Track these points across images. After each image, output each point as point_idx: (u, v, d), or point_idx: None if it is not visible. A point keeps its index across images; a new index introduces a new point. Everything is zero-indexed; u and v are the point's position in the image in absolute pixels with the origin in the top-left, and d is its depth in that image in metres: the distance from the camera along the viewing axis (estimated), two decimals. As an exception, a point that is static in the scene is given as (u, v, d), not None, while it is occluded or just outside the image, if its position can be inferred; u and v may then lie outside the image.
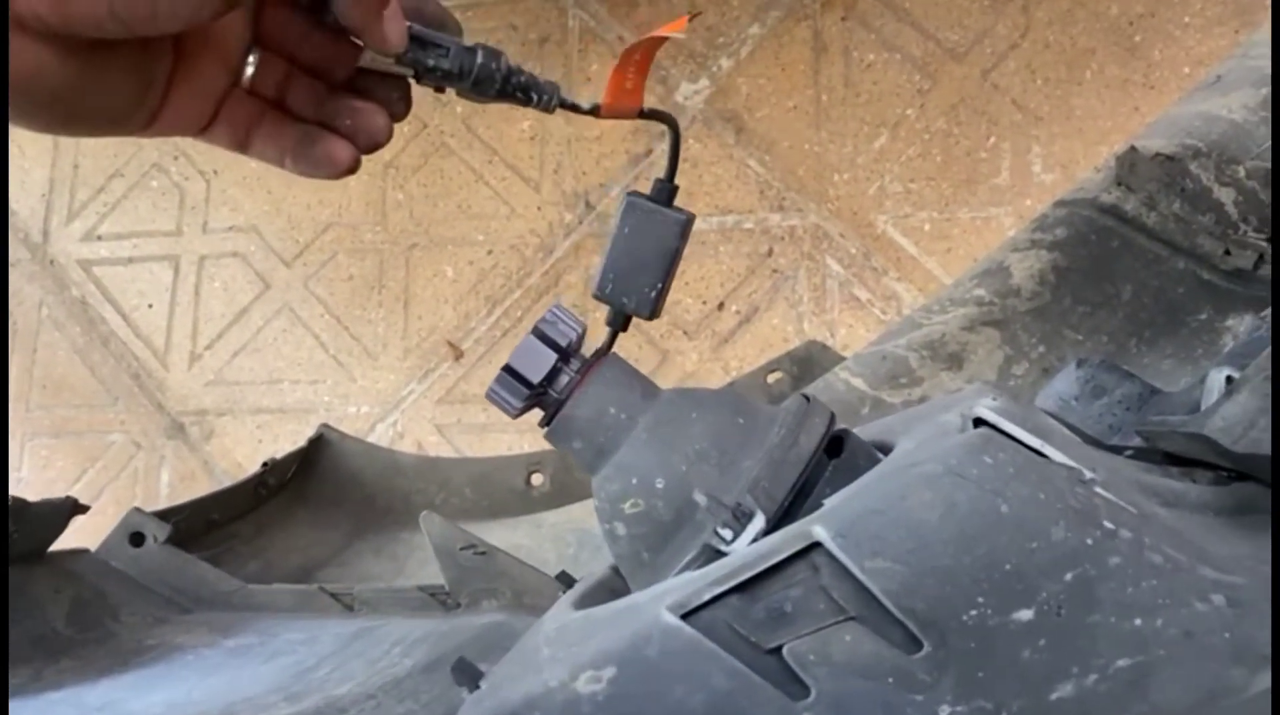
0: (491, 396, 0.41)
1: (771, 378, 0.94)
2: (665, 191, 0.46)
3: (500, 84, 0.43)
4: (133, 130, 0.42)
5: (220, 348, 1.75)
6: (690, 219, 0.46)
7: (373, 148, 0.46)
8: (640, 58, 0.44)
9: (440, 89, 0.44)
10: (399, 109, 0.47)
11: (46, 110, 0.38)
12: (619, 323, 0.45)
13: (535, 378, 0.40)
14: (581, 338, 0.41)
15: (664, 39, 0.44)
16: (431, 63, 0.42)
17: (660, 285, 0.45)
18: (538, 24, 1.69)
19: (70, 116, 0.39)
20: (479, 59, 0.43)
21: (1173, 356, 0.66)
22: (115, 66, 0.39)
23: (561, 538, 0.80)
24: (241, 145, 0.45)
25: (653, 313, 0.44)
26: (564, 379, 0.41)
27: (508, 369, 0.40)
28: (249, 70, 0.44)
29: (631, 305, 0.44)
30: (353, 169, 0.46)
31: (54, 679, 0.56)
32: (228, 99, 0.44)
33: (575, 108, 0.45)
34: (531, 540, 0.81)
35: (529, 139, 1.62)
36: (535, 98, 0.44)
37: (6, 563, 0.65)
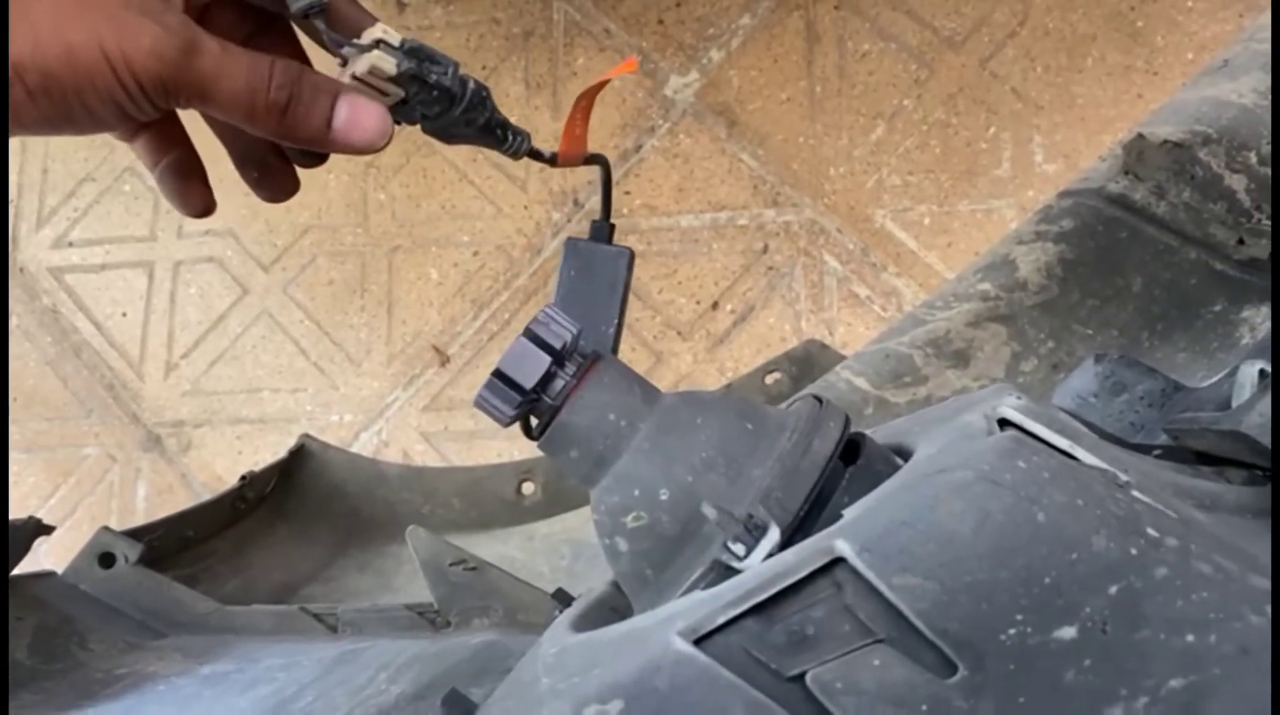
0: (481, 404, 0.38)
1: (770, 379, 0.93)
2: (604, 230, 0.47)
3: (488, 116, 0.43)
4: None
5: (197, 356, 1.71)
6: (631, 254, 0.47)
7: (273, 201, 0.47)
8: (586, 104, 0.45)
9: (414, 122, 0.43)
10: (314, 162, 0.47)
11: None
12: None
13: (528, 383, 0.38)
14: (576, 339, 0.39)
15: (606, 83, 0.46)
16: (433, 78, 0.41)
17: (616, 322, 0.45)
18: (521, 17, 1.66)
19: None
20: (472, 85, 0.42)
21: (1187, 350, 0.65)
22: None
23: (555, 549, 0.79)
24: (128, 139, 0.45)
25: (611, 351, 0.44)
26: (559, 383, 0.38)
27: (498, 374, 0.38)
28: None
29: (589, 347, 0.42)
30: (200, 215, 0.47)
31: (14, 715, 0.53)
32: None
33: (538, 155, 0.47)
34: (523, 553, 0.79)
35: (514, 137, 1.60)
36: (509, 138, 0.45)
37: (6, 564, 0.63)
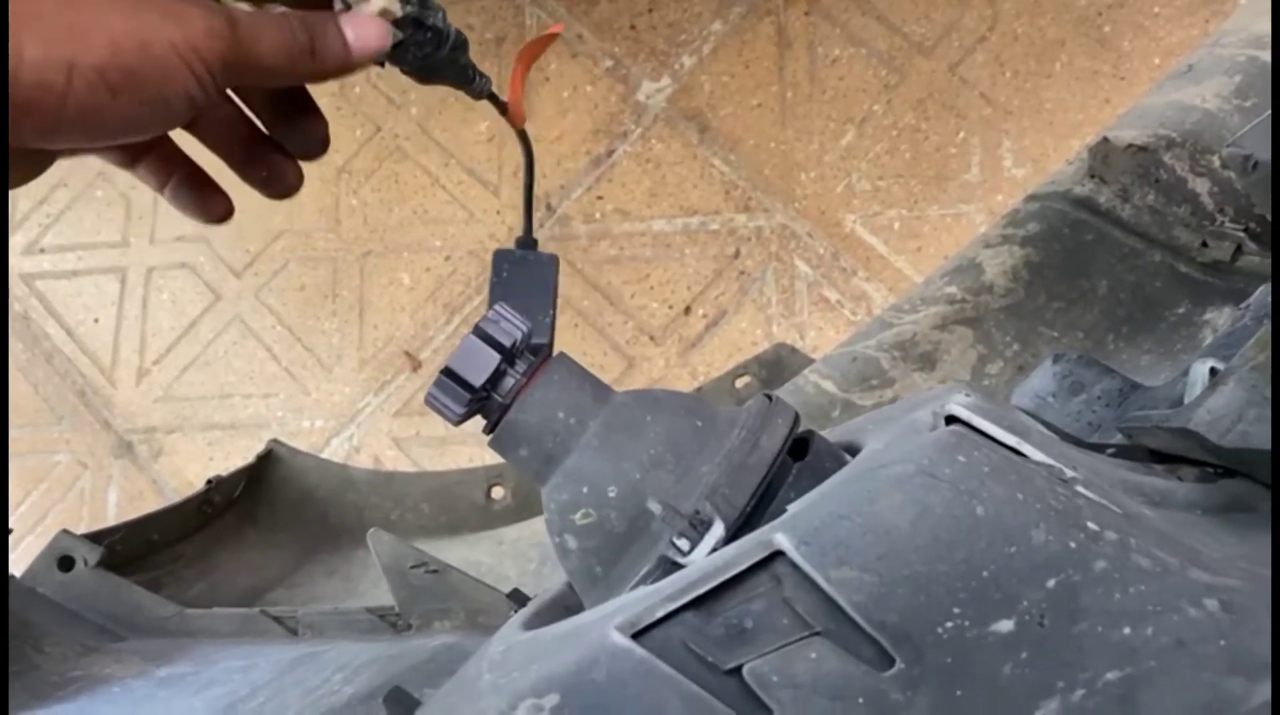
0: (431, 402, 0.38)
1: (740, 382, 0.93)
2: (528, 242, 0.51)
3: (465, 54, 0.46)
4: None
5: (169, 362, 1.70)
6: (555, 259, 0.51)
7: (284, 197, 0.48)
8: (522, 65, 0.50)
9: (404, 62, 0.45)
10: (315, 151, 0.48)
11: None
12: None
13: (477, 381, 0.37)
14: (527, 337, 0.39)
15: (542, 42, 0.51)
16: (430, 20, 0.44)
17: (552, 313, 0.49)
18: (494, 23, 1.67)
19: None
20: (454, 28, 0.45)
21: (1151, 351, 0.65)
22: None
23: (523, 554, 0.78)
24: (128, 166, 0.46)
25: (548, 341, 0.48)
26: (509, 382, 0.38)
27: (447, 372, 0.38)
28: None
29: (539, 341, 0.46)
30: (223, 220, 0.48)
31: (-37, 718, 0.53)
32: None
33: (495, 99, 0.50)
34: (492, 557, 0.79)
35: (486, 141, 1.60)
36: (476, 79, 0.48)
37: (6, 562, 0.62)
